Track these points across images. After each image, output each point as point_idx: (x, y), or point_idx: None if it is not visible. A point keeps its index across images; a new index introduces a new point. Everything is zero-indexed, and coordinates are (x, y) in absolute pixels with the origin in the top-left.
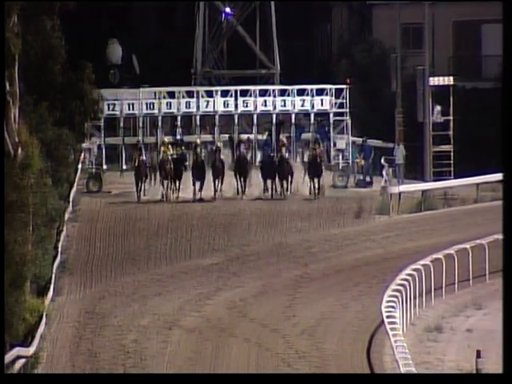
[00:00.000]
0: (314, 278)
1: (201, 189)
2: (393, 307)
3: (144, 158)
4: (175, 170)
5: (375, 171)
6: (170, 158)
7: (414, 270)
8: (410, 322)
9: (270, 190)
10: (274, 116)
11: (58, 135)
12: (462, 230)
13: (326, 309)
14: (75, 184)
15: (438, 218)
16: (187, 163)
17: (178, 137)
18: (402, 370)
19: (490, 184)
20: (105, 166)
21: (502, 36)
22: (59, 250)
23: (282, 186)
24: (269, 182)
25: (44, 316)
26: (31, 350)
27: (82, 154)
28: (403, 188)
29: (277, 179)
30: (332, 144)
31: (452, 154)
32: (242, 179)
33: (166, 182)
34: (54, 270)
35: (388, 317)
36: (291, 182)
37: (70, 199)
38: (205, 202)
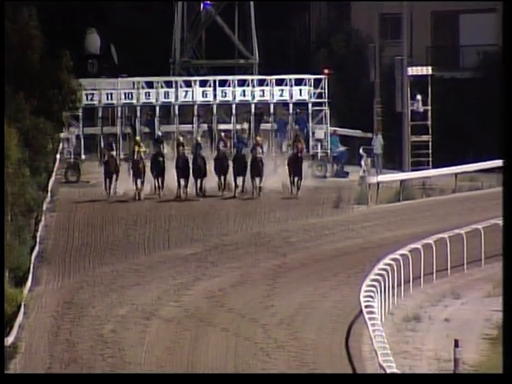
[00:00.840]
0: (293, 267)
1: (186, 186)
2: (371, 297)
3: (114, 153)
4: (155, 167)
5: (353, 161)
6: (142, 155)
7: (393, 259)
8: (388, 311)
9: (240, 187)
10: (253, 106)
11: (36, 124)
12: (441, 220)
13: (304, 298)
14: (53, 174)
15: (417, 208)
16: (165, 159)
17: (159, 133)
18: (381, 360)
19: (468, 174)
20: (83, 156)
21: (479, 27)
22: (37, 239)
23: (253, 185)
24: (239, 179)
25: (22, 306)
26: (9, 339)
27: (61, 144)
28: (382, 178)
29: (248, 177)
30: (311, 134)
31: (430, 143)
32: (222, 177)
33: (138, 182)
34: (32, 260)
35: (366, 306)
36: (260, 182)
37: (49, 189)
38: (189, 200)
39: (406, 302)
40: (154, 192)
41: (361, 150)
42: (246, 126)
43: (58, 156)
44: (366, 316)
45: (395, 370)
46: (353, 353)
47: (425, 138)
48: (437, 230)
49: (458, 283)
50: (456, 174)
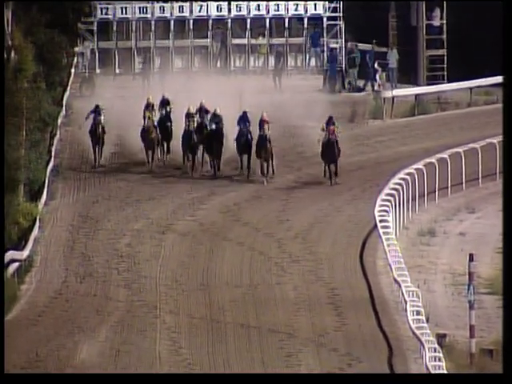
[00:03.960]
0: (308, 182)
1: (193, 161)
2: (386, 211)
3: (102, 119)
4: (162, 131)
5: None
6: (154, 123)
7: (408, 173)
8: (403, 225)
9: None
10: (268, 20)
11: (51, 38)
12: (456, 134)
13: (319, 213)
14: (68, 88)
15: (432, 122)
16: (172, 124)
17: (166, 96)
18: (395, 274)
19: (484, 88)
20: (98, 70)
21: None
22: (52, 154)
23: (261, 167)
24: (245, 158)
25: (37, 220)
26: (25, 253)
27: (75, 58)
28: (397, 92)
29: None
30: (325, 49)
31: (445, 57)
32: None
33: (150, 153)
34: (47, 174)
35: (381, 221)
36: (271, 165)
37: (64, 103)
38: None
39: (420, 217)
40: (160, 156)
41: (376, 65)
42: (261, 40)
43: (72, 70)
44: (381, 230)
45: (410, 284)
46: (367, 267)
47: (440, 51)
48: (452, 144)
49: (473, 197)
50: (471, 88)
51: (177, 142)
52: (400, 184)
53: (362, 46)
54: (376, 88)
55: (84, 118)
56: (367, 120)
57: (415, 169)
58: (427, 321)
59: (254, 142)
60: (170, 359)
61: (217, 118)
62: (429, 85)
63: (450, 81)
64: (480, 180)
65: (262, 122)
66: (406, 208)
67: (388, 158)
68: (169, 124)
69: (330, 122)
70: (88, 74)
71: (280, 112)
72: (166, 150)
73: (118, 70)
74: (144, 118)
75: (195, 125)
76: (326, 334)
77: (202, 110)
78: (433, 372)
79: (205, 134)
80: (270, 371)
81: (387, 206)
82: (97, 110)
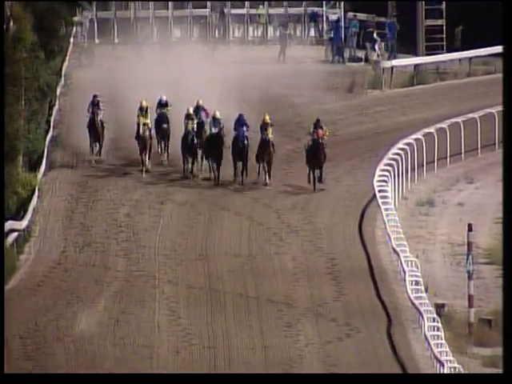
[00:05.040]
0: None
1: (193, 164)
2: (385, 181)
3: (101, 112)
4: (159, 132)
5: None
6: (150, 130)
7: (407, 144)
8: (402, 196)
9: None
10: None
11: (50, 7)
12: (455, 104)
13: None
14: (67, 58)
15: (431, 92)
16: (169, 126)
17: (163, 96)
18: (394, 244)
19: (482, 58)
20: (97, 40)
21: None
22: (51, 124)
23: (260, 169)
24: (240, 165)
25: (36, 190)
26: (24, 223)
27: (74, 28)
28: (396, 62)
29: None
30: (325, 19)
31: (444, 28)
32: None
33: (144, 156)
34: (46, 144)
35: (380, 191)
36: (269, 171)
37: (62, 73)
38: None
39: (419, 187)
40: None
41: (375, 35)
42: (260, 10)
43: (71, 40)
44: (380, 200)
45: (409, 255)
46: (366, 237)
47: (439, 22)
48: (450, 114)
49: (472, 167)
50: (470, 58)
51: (177, 144)
52: (399, 154)
53: (360, 15)
54: (375, 58)
55: (86, 110)
56: (366, 90)
57: (414, 139)
58: (426, 291)
59: (251, 146)
60: (169, 329)
61: (216, 122)
62: (428, 55)
63: (448, 51)
64: (479, 150)
65: (264, 125)
66: (405, 178)
67: (387, 128)
68: (165, 126)
69: (317, 124)
70: (87, 43)
71: (279, 82)
72: (165, 152)
73: (116, 40)
74: (138, 124)
75: (195, 127)
76: (325, 304)
77: (200, 110)
78: (432, 342)
79: (204, 138)
80: (268, 342)
81: (386, 176)
82: (94, 101)
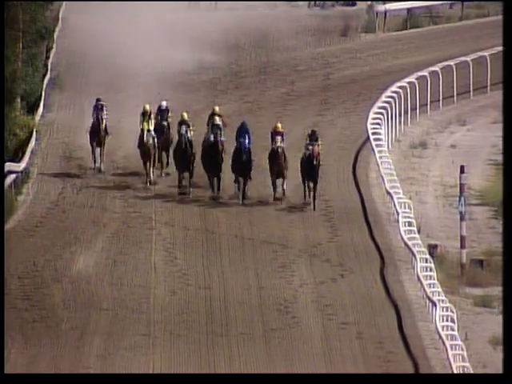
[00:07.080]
0: (301, 95)
1: (191, 177)
2: (378, 124)
3: (103, 116)
4: (161, 143)
5: None
6: (154, 140)
7: (400, 87)
8: (395, 138)
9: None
10: None
11: None
12: (447, 48)
13: (312, 123)
14: (65, 2)
15: (424, 36)
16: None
17: (163, 103)
18: (387, 186)
19: (475, 1)
20: None
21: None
22: (49, 67)
23: (273, 184)
24: (242, 180)
25: (34, 132)
26: (22, 165)
27: None
28: (389, 6)
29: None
30: None
31: None
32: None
33: (148, 165)
34: (44, 87)
35: (373, 133)
36: (283, 183)
37: (60, 17)
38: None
39: (412, 129)
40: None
41: None
42: None
43: None
44: (373, 143)
45: (402, 196)
46: (360, 179)
47: None
48: (443, 57)
49: (464, 110)
50: (463, 2)
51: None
52: (392, 97)
53: None
54: (369, 2)
55: (90, 115)
56: (360, 34)
57: (407, 82)
58: (419, 232)
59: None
60: (166, 270)
61: (215, 129)
62: None
63: None
64: (471, 93)
65: (275, 133)
66: (398, 121)
67: (380, 71)
68: (168, 135)
69: (312, 137)
70: None
71: (273, 26)
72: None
73: None
74: (142, 130)
75: (188, 134)
76: (319, 244)
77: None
78: (425, 282)
79: (202, 148)
80: (263, 282)
81: (379, 118)
82: (98, 105)
